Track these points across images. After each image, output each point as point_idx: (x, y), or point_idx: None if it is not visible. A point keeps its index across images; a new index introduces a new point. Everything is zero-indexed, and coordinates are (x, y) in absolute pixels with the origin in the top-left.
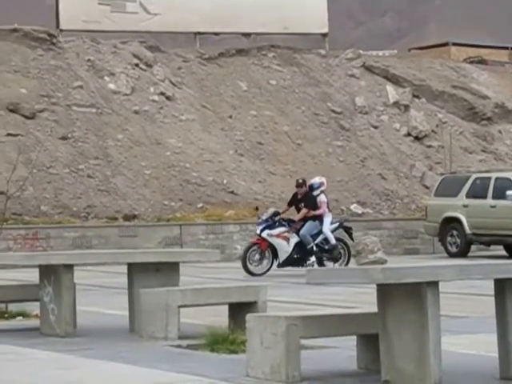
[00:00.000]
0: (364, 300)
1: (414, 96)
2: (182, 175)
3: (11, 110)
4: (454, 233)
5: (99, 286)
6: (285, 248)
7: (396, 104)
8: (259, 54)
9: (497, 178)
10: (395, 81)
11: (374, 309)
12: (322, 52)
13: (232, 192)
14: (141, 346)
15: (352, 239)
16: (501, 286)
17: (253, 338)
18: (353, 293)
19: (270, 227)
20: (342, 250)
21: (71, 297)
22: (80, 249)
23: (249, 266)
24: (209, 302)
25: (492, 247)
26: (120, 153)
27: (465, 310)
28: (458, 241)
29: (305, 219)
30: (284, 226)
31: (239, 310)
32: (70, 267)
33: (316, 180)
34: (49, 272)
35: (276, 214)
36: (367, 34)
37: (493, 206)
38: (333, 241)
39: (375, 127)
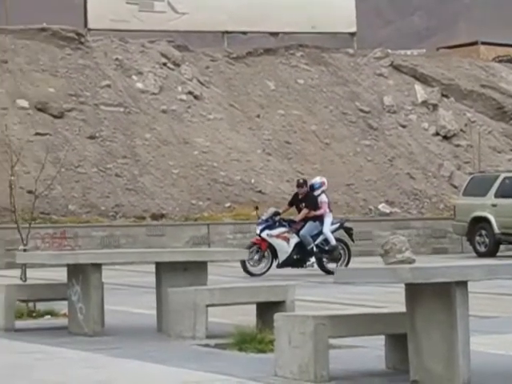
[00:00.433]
0: (392, 299)
1: (443, 95)
2: (210, 174)
3: (39, 109)
4: (483, 232)
5: (127, 285)
6: (284, 248)
7: (424, 103)
8: (287, 54)
9: None
10: (424, 80)
11: (403, 308)
12: (350, 51)
13: (260, 191)
14: (169, 345)
15: (352, 240)
16: None
17: (281, 337)
18: (381, 292)
19: (270, 227)
20: (342, 251)
21: (99, 296)
22: (108, 248)
23: (248, 266)
24: (237, 302)
25: None
26: (148, 152)
27: (494, 309)
28: (487, 240)
29: (305, 219)
30: (284, 226)
31: (267, 310)
32: (98, 266)
33: (317, 180)
34: (77, 271)
35: (276, 214)
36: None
37: None
38: (333, 242)
39: (403, 126)
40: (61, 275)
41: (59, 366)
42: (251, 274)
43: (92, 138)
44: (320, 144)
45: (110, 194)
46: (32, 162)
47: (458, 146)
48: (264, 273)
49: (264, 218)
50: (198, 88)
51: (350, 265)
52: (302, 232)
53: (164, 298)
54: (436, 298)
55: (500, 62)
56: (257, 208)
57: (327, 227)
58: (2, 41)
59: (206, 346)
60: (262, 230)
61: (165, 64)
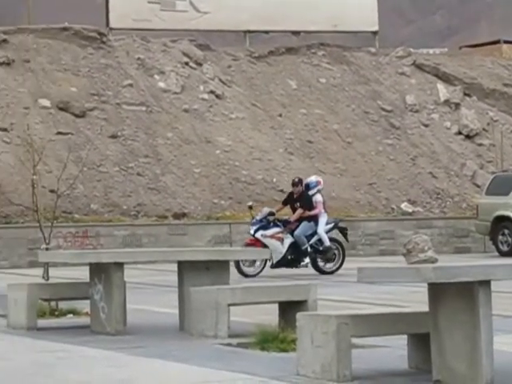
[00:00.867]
0: (414, 299)
1: (465, 94)
2: (232, 173)
3: (61, 109)
4: (506, 231)
5: (149, 284)
6: (279, 249)
7: (447, 102)
8: (309, 53)
9: None
10: (446, 79)
11: (425, 308)
12: (372, 50)
13: (281, 190)
14: (191, 344)
15: (347, 239)
16: None
17: (303, 336)
18: (403, 292)
19: (265, 228)
20: (336, 251)
21: (121, 295)
22: (130, 247)
23: (242, 266)
24: (258, 301)
25: None
26: (170, 151)
27: None
28: (510, 239)
29: (300, 219)
30: (278, 226)
31: (289, 309)
32: (120, 265)
33: (312, 179)
34: (99, 270)
35: (271, 214)
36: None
37: None
38: (327, 242)
39: (426, 125)
40: (83, 274)
41: (81, 364)
42: (245, 275)
43: (114, 137)
44: (342, 143)
45: (131, 193)
46: (54, 161)
47: (480, 145)
48: (258, 273)
49: (258, 218)
50: (219, 87)
51: (346, 265)
52: (296, 232)
53: (186, 297)
54: (459, 297)
55: None
56: (251, 208)
57: (322, 227)
58: (25, 40)
59: (228, 345)
60: (256, 231)
61: (187, 63)
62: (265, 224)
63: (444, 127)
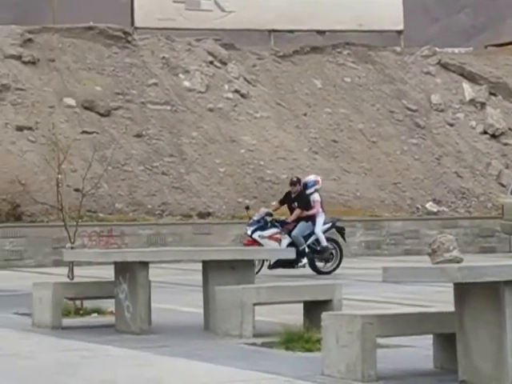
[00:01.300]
0: (439, 299)
1: (491, 93)
2: (257, 173)
3: (86, 108)
4: None
5: (174, 284)
6: None
7: (472, 101)
8: (334, 52)
9: None
10: (471, 78)
11: (450, 308)
12: (397, 49)
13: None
14: (216, 344)
15: (344, 239)
16: None
17: (328, 336)
18: (427, 291)
19: (262, 228)
20: (333, 251)
21: (146, 294)
22: (154, 246)
23: None
24: (283, 300)
25: None
26: (194, 150)
27: None
28: None
29: (297, 219)
30: (276, 227)
31: (314, 308)
32: (145, 264)
33: (311, 178)
34: (124, 269)
35: (268, 214)
36: (443, 30)
37: None
38: (324, 242)
39: (451, 125)
40: (108, 273)
41: (106, 363)
42: None
43: (138, 136)
44: (367, 142)
45: (156, 192)
46: (79, 160)
47: (506, 144)
48: (255, 274)
49: (256, 218)
50: (244, 86)
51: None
52: (293, 232)
53: (211, 296)
54: (485, 297)
55: None
56: (247, 208)
57: (319, 227)
58: (49, 39)
59: (253, 344)
60: (253, 231)
61: (211, 62)
62: (262, 225)
63: (469, 126)
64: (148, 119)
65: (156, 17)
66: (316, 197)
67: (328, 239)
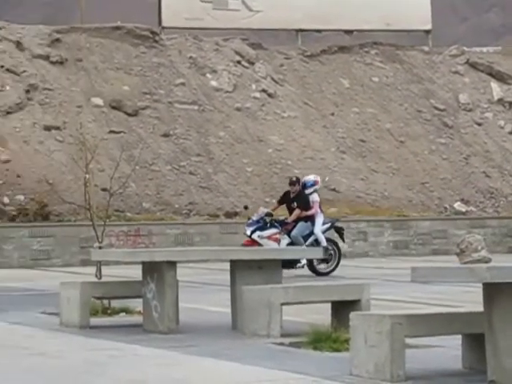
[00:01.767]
0: (467, 299)
1: None
2: (284, 172)
3: (114, 107)
4: None
5: (201, 283)
6: None
7: (500, 101)
8: (361, 51)
9: None
10: (500, 78)
11: (479, 308)
12: (426, 49)
13: (334, 189)
14: (243, 344)
15: (343, 240)
16: None
17: (357, 336)
18: (456, 291)
19: (262, 229)
20: (332, 251)
21: (174, 294)
22: (182, 246)
23: None
24: (311, 300)
25: None
26: (222, 150)
27: None
28: None
29: (297, 220)
30: (275, 227)
31: (342, 308)
32: (173, 264)
33: (310, 178)
34: (152, 269)
35: (268, 214)
36: (471, 30)
37: None
38: (324, 243)
39: (479, 124)
40: (135, 273)
41: (134, 363)
42: None
43: (166, 135)
44: (395, 142)
45: (183, 191)
46: (107, 159)
47: None
48: None
49: (255, 218)
50: (271, 86)
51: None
52: (293, 233)
53: (239, 296)
54: None
55: None
56: (246, 207)
57: (318, 228)
58: (77, 39)
59: (281, 344)
60: (252, 232)
61: (239, 62)
62: (262, 225)
63: (498, 126)
64: (175, 119)
65: (183, 16)
66: (315, 197)
67: (326, 240)
